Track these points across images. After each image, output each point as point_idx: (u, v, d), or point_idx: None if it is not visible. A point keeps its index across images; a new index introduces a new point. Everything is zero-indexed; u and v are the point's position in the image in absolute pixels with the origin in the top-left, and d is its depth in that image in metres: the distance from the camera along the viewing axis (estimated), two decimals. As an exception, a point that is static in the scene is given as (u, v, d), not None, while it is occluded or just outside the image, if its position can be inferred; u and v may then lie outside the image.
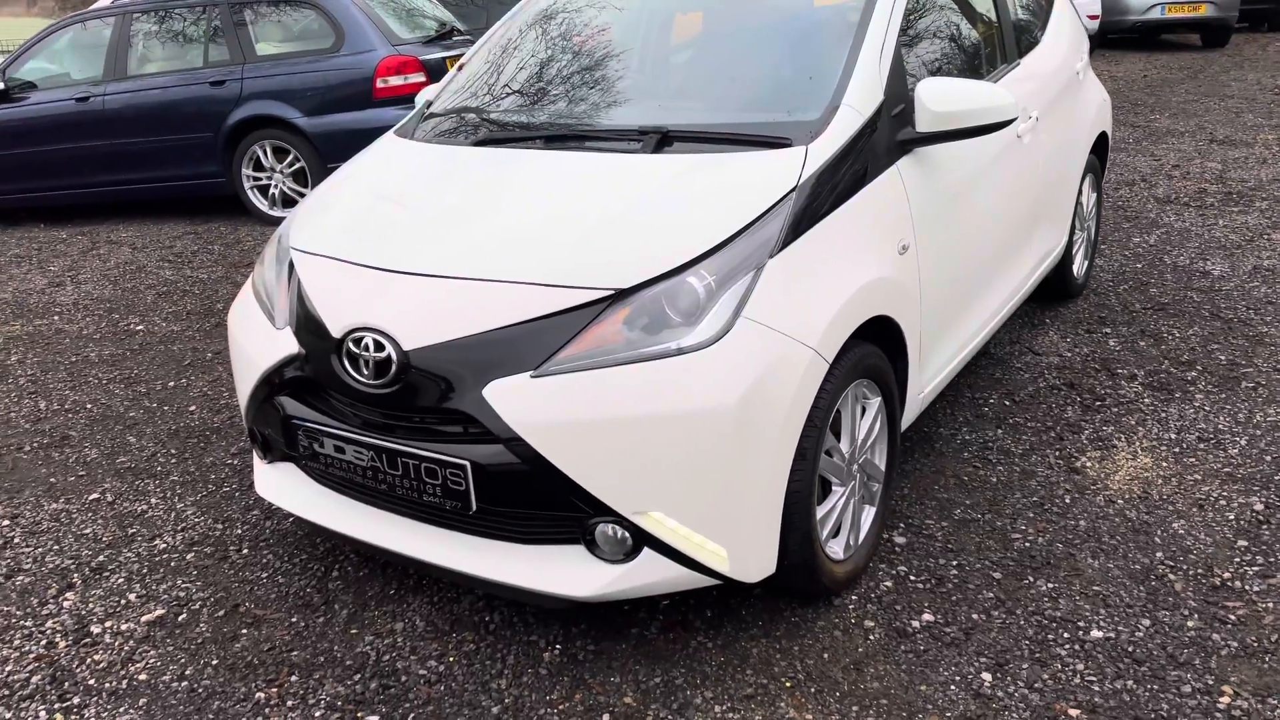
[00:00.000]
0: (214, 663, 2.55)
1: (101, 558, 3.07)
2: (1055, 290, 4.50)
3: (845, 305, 2.38)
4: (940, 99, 2.68)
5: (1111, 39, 15.46)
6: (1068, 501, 2.99)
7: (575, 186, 2.57)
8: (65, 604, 2.85)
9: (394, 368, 2.31)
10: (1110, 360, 3.94)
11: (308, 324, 2.52)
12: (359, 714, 2.33)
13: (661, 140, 2.67)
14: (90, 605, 2.84)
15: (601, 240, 2.35)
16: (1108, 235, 5.57)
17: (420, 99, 3.46)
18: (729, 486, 2.20)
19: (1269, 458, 3.15)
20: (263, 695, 2.42)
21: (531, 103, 3.10)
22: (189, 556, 3.04)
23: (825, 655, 2.41)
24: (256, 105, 7.15)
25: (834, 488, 2.56)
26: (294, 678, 2.47)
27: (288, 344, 2.56)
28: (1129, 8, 14.84)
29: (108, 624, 2.74)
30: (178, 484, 3.50)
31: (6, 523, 3.32)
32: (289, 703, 2.38)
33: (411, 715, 2.31)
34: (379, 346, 2.33)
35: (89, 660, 2.60)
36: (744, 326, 2.21)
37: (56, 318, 5.54)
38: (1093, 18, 13.89)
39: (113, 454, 3.78)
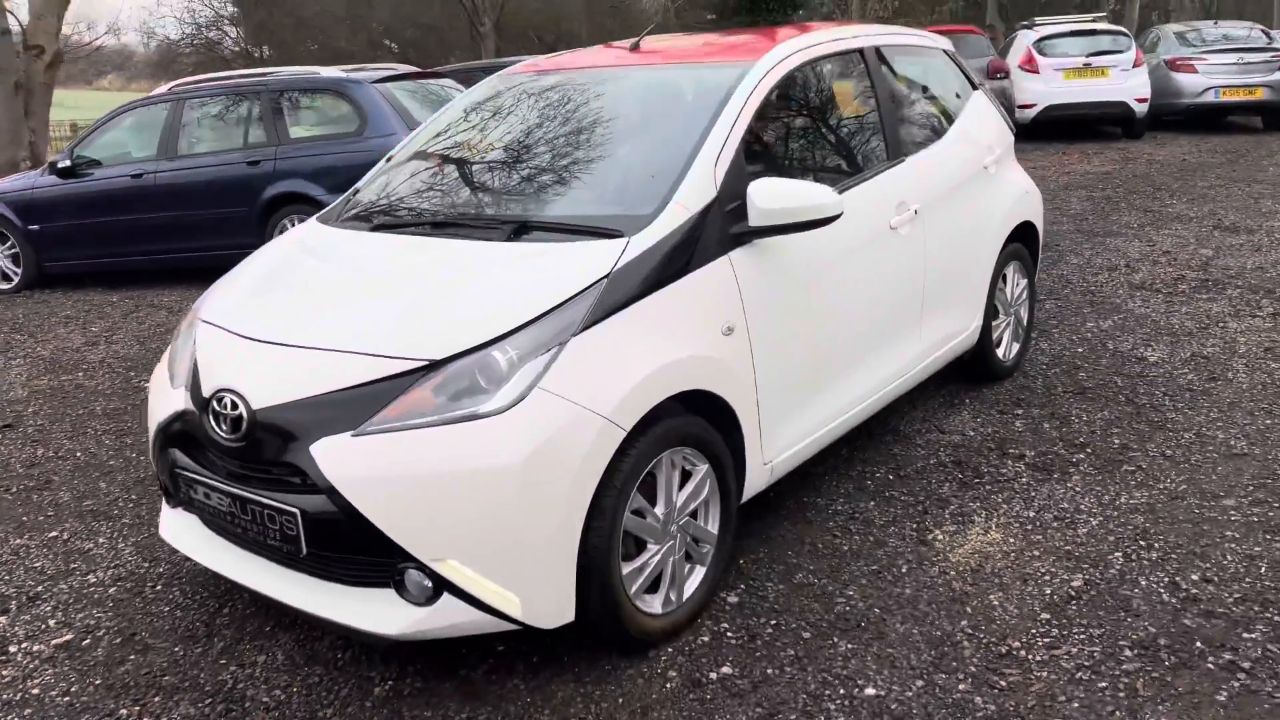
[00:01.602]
0: (97, 682, 2.89)
1: (40, 588, 3.46)
2: (978, 372, 4.66)
3: (647, 379, 2.65)
4: (768, 197, 2.96)
5: (1166, 121, 15.42)
6: (904, 571, 3.16)
7: (428, 268, 2.92)
8: (-4, 626, 3.23)
9: (244, 424, 2.66)
10: (1008, 440, 4.09)
11: (193, 384, 2.89)
12: (200, 731, 2.63)
13: (519, 229, 3.01)
14: (16, 628, 3.21)
15: (428, 316, 2.68)
16: (1064, 319, 5.69)
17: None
18: (518, 538, 2.47)
19: (1112, 538, 3.27)
20: (125, 712, 2.74)
21: (427, 193, 3.47)
22: (111, 590, 3.41)
23: (620, 700, 2.63)
24: (288, 183, 7.76)
25: (649, 545, 2.80)
26: (157, 698, 2.79)
27: (179, 401, 2.93)
28: (1183, 91, 14.84)
29: (24, 645, 3.11)
30: (127, 526, 3.89)
31: (-27, 555, 3.75)
32: (144, 719, 2.70)
33: (243, 734, 2.61)
34: (234, 405, 2.68)
35: (-3, 675, 2.96)
36: (538, 396, 2.49)
37: (81, 374, 6.09)
38: (1141, 100, 13.94)
39: (82, 498, 4.20)
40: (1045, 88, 14.11)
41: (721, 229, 2.99)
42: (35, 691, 2.87)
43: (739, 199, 3.03)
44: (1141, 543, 3.23)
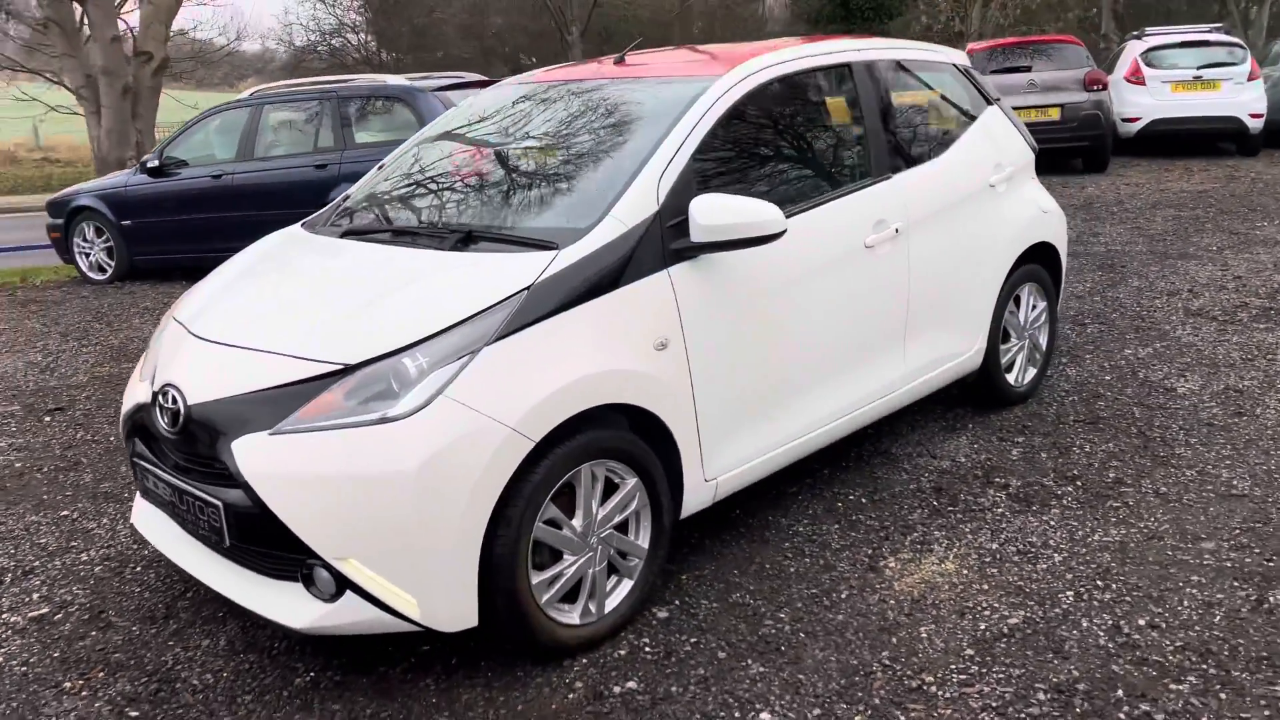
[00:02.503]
0: (56, 655, 3.07)
1: (37, 563, 3.69)
2: (985, 397, 4.52)
3: (561, 391, 2.67)
4: (708, 213, 2.95)
5: (1289, 139, 14.59)
6: (843, 597, 3.10)
7: (371, 274, 3.01)
8: (-14, 597, 3.46)
9: (181, 418, 2.79)
10: (997, 469, 3.95)
11: (151, 377, 3.05)
12: (127, 709, 2.77)
13: (465, 238, 3.07)
14: (3, 599, 3.43)
15: (353, 321, 2.76)
16: (1102, 345, 5.46)
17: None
18: (415, 542, 2.52)
19: (1070, 576, 3.13)
20: (69, 685, 2.90)
21: (396, 202, 3.58)
22: (97, 569, 3.61)
23: (520, 707, 2.66)
24: (351, 187, 8.01)
25: (565, 556, 2.81)
26: (101, 674, 2.95)
27: (141, 393, 3.10)
28: (1305, 105, 14.05)
29: (4, 615, 3.32)
30: (131, 509, 4.10)
31: (-10, 529, 4.01)
32: (84, 693, 2.86)
33: (165, 716, 2.73)
34: (174, 400, 2.82)
35: (-28, 643, 3.17)
36: (442, 403, 2.55)
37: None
38: (1255, 116, 13.22)
39: (101, 480, 4.45)
40: (1151, 101, 13.51)
41: (663, 244, 2.99)
42: (-1, 660, 3.07)
43: (683, 214, 3.02)
44: (1099, 582, 3.08)
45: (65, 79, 12.12)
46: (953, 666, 2.71)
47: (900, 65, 4.10)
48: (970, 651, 2.78)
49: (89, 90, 11.33)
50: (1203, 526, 3.40)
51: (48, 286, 9.50)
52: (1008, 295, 4.38)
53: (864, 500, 3.75)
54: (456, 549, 2.56)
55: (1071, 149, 12.39)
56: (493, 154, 3.58)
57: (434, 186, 3.58)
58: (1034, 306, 4.61)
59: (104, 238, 9.27)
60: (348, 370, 2.63)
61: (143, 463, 3.03)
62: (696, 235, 2.97)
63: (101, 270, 9.36)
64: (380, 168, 3.99)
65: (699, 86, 3.30)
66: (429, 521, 2.51)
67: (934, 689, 2.62)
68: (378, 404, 2.57)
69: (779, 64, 3.50)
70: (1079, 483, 3.79)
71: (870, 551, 3.37)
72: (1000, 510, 3.61)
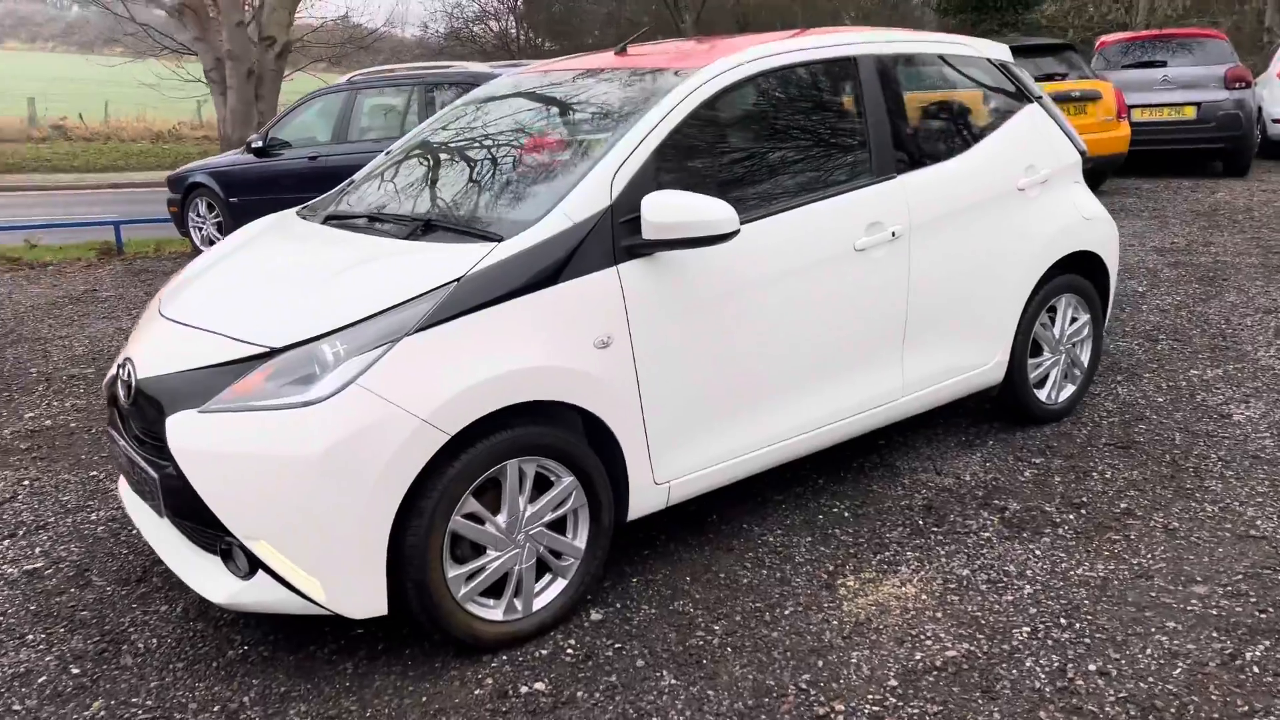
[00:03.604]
0: (32, 608, 3.24)
1: (52, 519, 3.90)
2: (1015, 413, 4.27)
3: (483, 384, 2.65)
4: (658, 210, 2.87)
5: None
6: (785, 613, 2.98)
7: (326, 260, 3.06)
8: (-3, 549, 3.68)
9: (132, 391, 2.90)
10: (1000, 490, 3.73)
11: (124, 350, 3.18)
12: (70, 665, 2.90)
13: (424, 228, 3.08)
14: (10, 551, 3.65)
15: (290, 305, 2.81)
16: (1168, 363, 5.08)
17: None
18: (320, 527, 2.55)
19: (1033, 610, 2.92)
20: (32, 636, 3.06)
21: (379, 190, 3.62)
22: (99, 529, 3.80)
23: (424, 699, 2.66)
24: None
25: (487, 551, 2.79)
26: (63, 630, 3.10)
27: (115, 366, 3.23)
28: None
29: (3, 567, 3.53)
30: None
31: (26, 482, 4.27)
32: (40, 646, 3.01)
33: (101, 676, 2.85)
34: (129, 373, 2.93)
35: (-34, 591, 3.38)
36: (353, 391, 2.56)
37: (215, 335, 6.74)
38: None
39: (136, 445, 4.68)
40: (1306, 101, 12.52)
41: (614, 240, 2.93)
42: (-17, 609, 3.26)
43: (637, 211, 2.94)
44: (1062, 620, 2.87)
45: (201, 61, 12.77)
46: (870, 696, 2.57)
47: (921, 59, 3.89)
48: (894, 682, 2.62)
49: (217, 73, 11.93)
50: (1202, 568, 3.12)
51: (165, 258, 10.05)
52: (1039, 306, 4.12)
53: (846, 514, 3.60)
54: (362, 537, 2.57)
55: (1207, 150, 11.57)
56: (475, 146, 3.58)
57: (415, 176, 3.60)
58: (1073, 319, 4.32)
59: (214, 213, 9.75)
60: (273, 353, 2.67)
61: (111, 430, 3.16)
62: (647, 233, 2.90)
63: (211, 244, 9.85)
64: (387, 154, 4.04)
65: (671, 82, 3.21)
66: (334, 508, 2.53)
67: (840, 718, 2.49)
68: (296, 388, 2.60)
69: (763, 58, 3.36)
70: (1083, 511, 3.54)
71: (832, 568, 3.22)
72: (987, 535, 3.40)
